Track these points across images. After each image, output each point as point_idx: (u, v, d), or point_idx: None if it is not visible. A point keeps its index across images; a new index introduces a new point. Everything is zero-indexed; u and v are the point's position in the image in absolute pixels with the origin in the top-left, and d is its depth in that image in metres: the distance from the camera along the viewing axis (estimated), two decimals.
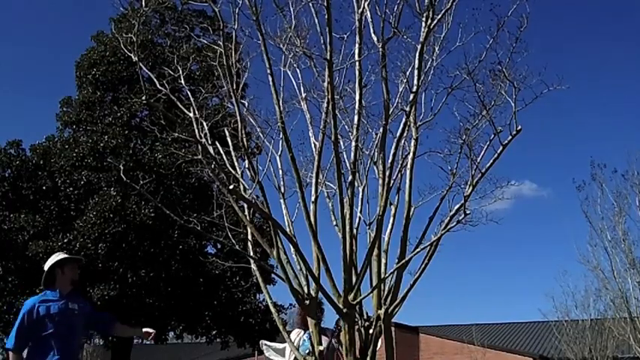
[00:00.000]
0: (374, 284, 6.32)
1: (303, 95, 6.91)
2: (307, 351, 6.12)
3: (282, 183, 6.94)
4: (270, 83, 6.05)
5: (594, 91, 57.81)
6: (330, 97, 5.73)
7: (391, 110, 6.30)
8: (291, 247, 6.08)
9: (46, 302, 5.29)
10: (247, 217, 6.47)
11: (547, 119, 50.85)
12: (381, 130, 6.30)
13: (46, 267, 5.42)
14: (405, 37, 6.42)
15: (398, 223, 6.55)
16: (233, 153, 6.72)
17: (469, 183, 6.22)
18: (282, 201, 6.86)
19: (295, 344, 6.26)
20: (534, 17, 6.12)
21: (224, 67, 6.28)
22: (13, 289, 18.46)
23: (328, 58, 5.67)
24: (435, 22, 6.04)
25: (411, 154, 6.45)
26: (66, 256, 5.54)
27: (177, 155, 10.58)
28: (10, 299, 18.29)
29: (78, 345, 5.53)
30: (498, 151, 6.06)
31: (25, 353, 5.18)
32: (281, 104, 6.24)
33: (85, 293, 17.61)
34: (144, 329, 5.99)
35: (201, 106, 7.04)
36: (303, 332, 6.28)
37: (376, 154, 6.45)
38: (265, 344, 6.95)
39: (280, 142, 6.77)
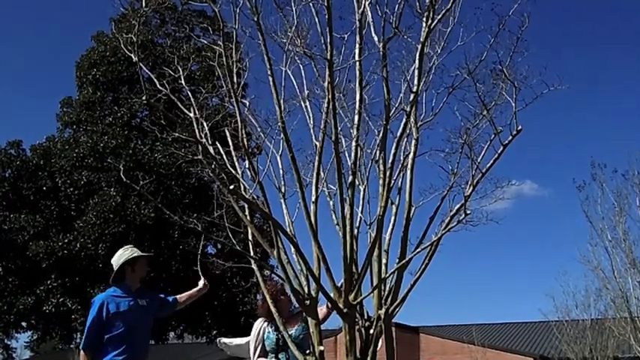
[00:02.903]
0: (374, 284, 6.31)
1: (306, 94, 6.90)
2: (273, 345, 5.99)
3: (282, 183, 6.94)
4: (271, 83, 6.04)
5: (594, 91, 57.84)
6: (330, 97, 5.72)
7: (392, 111, 6.29)
8: (292, 247, 6.07)
9: (115, 299, 5.12)
10: (247, 218, 6.46)
11: (547, 119, 50.88)
12: (381, 130, 6.29)
13: (117, 264, 5.27)
14: (405, 37, 6.42)
15: (398, 223, 6.55)
16: (233, 153, 6.72)
17: (470, 183, 6.22)
18: (282, 201, 6.86)
19: (255, 332, 6.13)
20: (535, 17, 6.11)
21: (224, 67, 6.28)
22: (13, 289, 18.49)
23: (329, 58, 5.66)
24: (435, 22, 6.04)
25: (412, 154, 6.44)
26: (136, 253, 5.39)
27: (178, 155, 10.58)
28: (10, 299, 18.32)
29: (147, 342, 5.39)
30: (499, 151, 6.06)
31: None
32: (281, 104, 6.24)
33: (86, 293, 17.63)
34: (199, 286, 6.00)
35: (201, 106, 7.03)
36: (265, 322, 6.15)
37: (377, 153, 6.44)
38: (224, 342, 6.71)
39: (281, 142, 6.76)
